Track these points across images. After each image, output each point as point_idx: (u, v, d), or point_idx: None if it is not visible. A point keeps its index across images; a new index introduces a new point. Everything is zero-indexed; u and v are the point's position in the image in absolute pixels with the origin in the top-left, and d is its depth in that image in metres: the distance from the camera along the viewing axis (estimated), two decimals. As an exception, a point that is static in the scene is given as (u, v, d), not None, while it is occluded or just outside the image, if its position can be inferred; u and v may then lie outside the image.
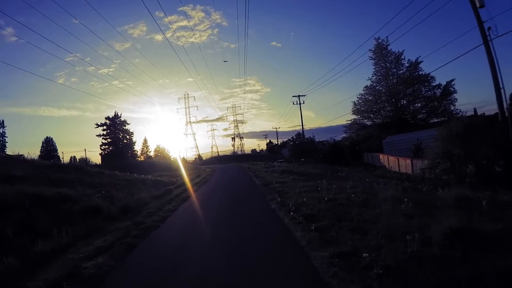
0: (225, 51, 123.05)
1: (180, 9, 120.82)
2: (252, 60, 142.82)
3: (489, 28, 13.52)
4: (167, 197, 12.42)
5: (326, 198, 8.44)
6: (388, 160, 29.44)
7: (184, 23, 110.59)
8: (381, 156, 31.86)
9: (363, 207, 7.27)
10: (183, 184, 17.35)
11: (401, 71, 40.28)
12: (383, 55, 40.88)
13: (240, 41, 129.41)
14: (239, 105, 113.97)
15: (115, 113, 61.88)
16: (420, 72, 38.61)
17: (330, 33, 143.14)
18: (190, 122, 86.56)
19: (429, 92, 38.47)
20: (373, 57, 41.91)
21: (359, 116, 45.44)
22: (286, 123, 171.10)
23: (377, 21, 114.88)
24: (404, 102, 40.45)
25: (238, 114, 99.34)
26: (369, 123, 43.56)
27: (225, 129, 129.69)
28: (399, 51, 40.27)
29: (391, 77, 41.12)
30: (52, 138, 79.56)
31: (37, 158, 70.10)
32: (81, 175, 14.08)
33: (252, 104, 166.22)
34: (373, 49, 41.37)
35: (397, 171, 26.27)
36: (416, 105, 39.77)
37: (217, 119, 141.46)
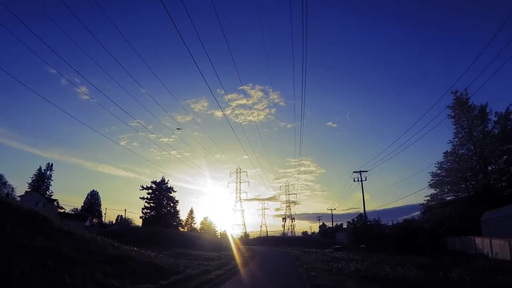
0: (281, 131, 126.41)
1: (240, 87, 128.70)
2: (308, 140, 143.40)
3: None
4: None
5: None
6: (490, 245, 20.47)
7: (244, 101, 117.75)
8: (477, 240, 22.66)
9: None
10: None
11: (488, 128, 32.32)
12: (464, 110, 33.87)
13: (296, 121, 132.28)
14: (292, 185, 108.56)
15: (162, 178, 60.85)
16: None
17: (386, 111, 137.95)
18: (240, 197, 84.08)
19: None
20: (452, 114, 34.84)
21: (438, 190, 36.05)
22: (340, 206, 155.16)
23: (450, 74, 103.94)
24: (497, 166, 30.72)
25: (291, 194, 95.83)
26: (450, 198, 33.69)
27: (277, 209, 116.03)
28: (482, 104, 33.06)
29: (475, 138, 32.97)
30: (98, 192, 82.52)
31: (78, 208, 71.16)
32: (47, 235, 9.40)
33: (306, 185, 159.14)
34: (451, 105, 34.69)
35: (507, 259, 17.23)
36: (512, 167, 29.68)
37: (270, 198, 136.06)
